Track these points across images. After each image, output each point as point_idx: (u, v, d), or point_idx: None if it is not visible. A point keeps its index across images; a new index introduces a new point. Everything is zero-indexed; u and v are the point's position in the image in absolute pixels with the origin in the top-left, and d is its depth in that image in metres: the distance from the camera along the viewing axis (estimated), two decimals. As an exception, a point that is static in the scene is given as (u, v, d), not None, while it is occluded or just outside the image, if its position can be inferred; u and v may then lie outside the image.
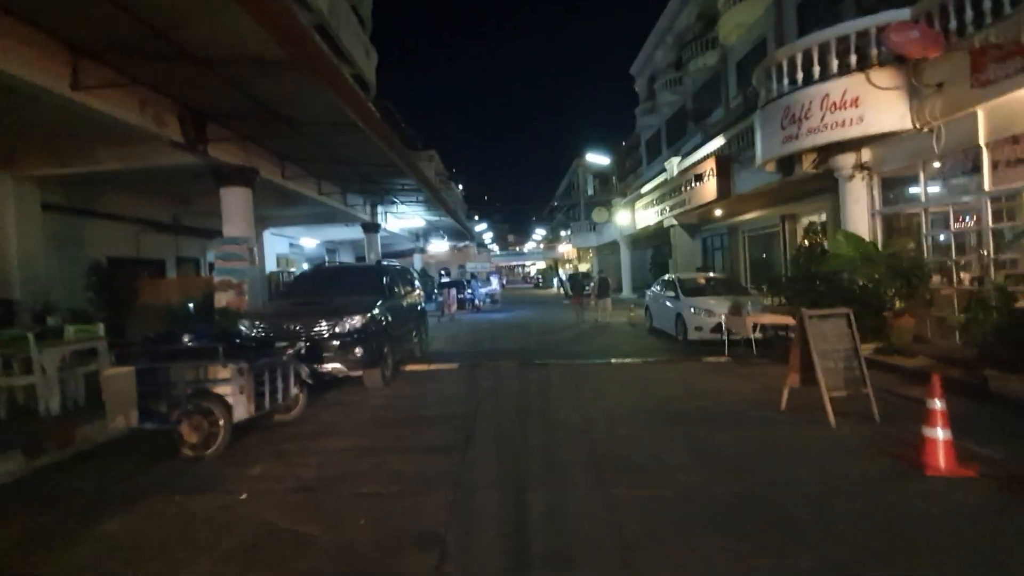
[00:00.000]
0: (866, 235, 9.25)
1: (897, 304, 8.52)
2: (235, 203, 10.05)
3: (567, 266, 51.48)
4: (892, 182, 9.48)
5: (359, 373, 7.13)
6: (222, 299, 9.70)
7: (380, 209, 18.87)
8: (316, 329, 6.97)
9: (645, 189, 22.82)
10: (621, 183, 36.30)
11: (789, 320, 8.57)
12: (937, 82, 7.62)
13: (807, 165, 10.12)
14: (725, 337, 9.53)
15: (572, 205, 45.55)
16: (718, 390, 6.93)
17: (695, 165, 15.91)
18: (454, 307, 21.67)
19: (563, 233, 52.10)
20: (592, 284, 22.58)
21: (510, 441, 5.15)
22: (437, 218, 21.61)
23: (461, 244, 37.68)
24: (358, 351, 6.90)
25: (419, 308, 10.36)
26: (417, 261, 28.67)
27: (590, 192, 38.96)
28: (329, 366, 6.83)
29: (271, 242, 20.67)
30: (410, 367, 9.17)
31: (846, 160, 9.42)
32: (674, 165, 18.63)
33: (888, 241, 9.20)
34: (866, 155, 9.28)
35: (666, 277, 13.46)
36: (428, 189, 16.07)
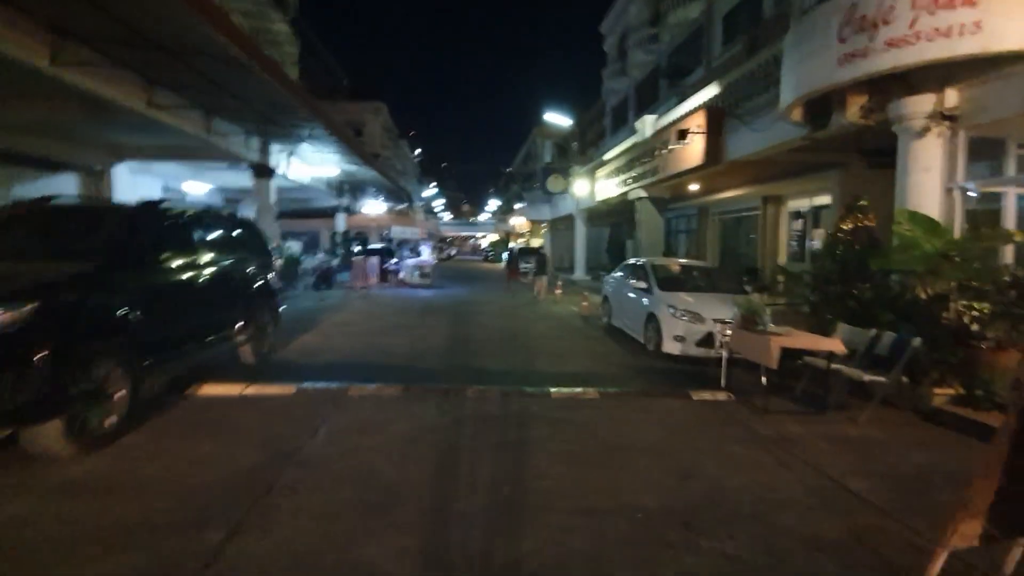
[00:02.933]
0: (937, 220, 6.18)
1: (988, 330, 5.51)
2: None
3: (520, 240, 48.02)
4: (981, 145, 6.41)
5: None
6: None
7: (276, 148, 14.60)
8: None
9: (609, 155, 19.48)
10: (582, 156, 32.91)
11: (837, 346, 5.40)
12: None
13: (853, 112, 6.90)
14: (722, 356, 6.33)
15: (528, 175, 41.87)
16: (746, 489, 3.63)
17: (677, 122, 12.58)
18: (372, 279, 17.80)
19: (517, 205, 48.48)
20: (532, 261, 19.41)
21: None
22: (356, 168, 17.47)
23: (399, 206, 33.34)
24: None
25: (252, 284, 6.54)
26: (340, 222, 24.37)
27: (547, 160, 35.33)
28: None
29: (132, 182, 15.96)
30: (210, 388, 5.44)
31: (918, 105, 6.23)
32: (647, 125, 15.31)
33: (974, 232, 6.15)
34: (953, 97, 6.13)
35: (635, 261, 10.18)
36: (331, 127, 12.06)
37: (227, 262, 5.88)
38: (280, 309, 7.64)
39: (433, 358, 7.42)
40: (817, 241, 15.02)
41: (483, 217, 78.29)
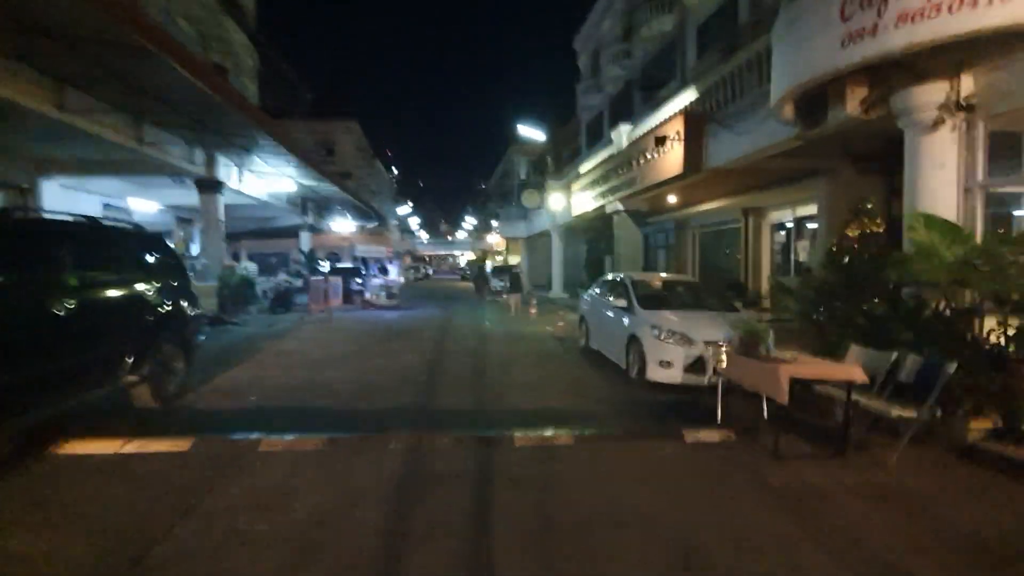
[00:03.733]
0: (956, 224, 5.39)
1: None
2: None
3: (498, 258, 47.13)
4: (994, 142, 5.68)
5: None
6: None
7: (223, 161, 13.46)
8: None
9: (585, 168, 18.78)
10: (557, 174, 32.34)
11: (857, 374, 4.49)
12: None
13: (853, 106, 6.14)
14: (716, 384, 5.39)
15: (505, 193, 41.19)
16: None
17: (654, 130, 11.85)
18: (335, 301, 16.57)
19: (494, 223, 47.76)
20: (505, 280, 18.53)
21: None
22: (314, 183, 16.38)
23: (370, 225, 32.20)
24: None
25: (152, 311, 5.36)
26: (304, 241, 23.11)
27: (522, 177, 34.70)
28: None
29: (65, 200, 14.61)
30: (80, 445, 4.26)
31: (929, 94, 5.49)
32: (623, 135, 14.63)
33: (1002, 237, 5.36)
34: (970, 84, 5.39)
35: (613, 277, 9.27)
36: (274, 134, 11.01)
37: (111, 284, 4.73)
38: (197, 340, 6.46)
39: (382, 395, 6.31)
40: (803, 253, 14.39)
41: (461, 235, 77.62)
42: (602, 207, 16.28)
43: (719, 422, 5.21)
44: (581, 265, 30.70)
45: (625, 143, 14.47)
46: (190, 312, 6.11)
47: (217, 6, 15.99)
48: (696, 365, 6.31)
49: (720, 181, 12.38)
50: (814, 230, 13.87)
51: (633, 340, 7.09)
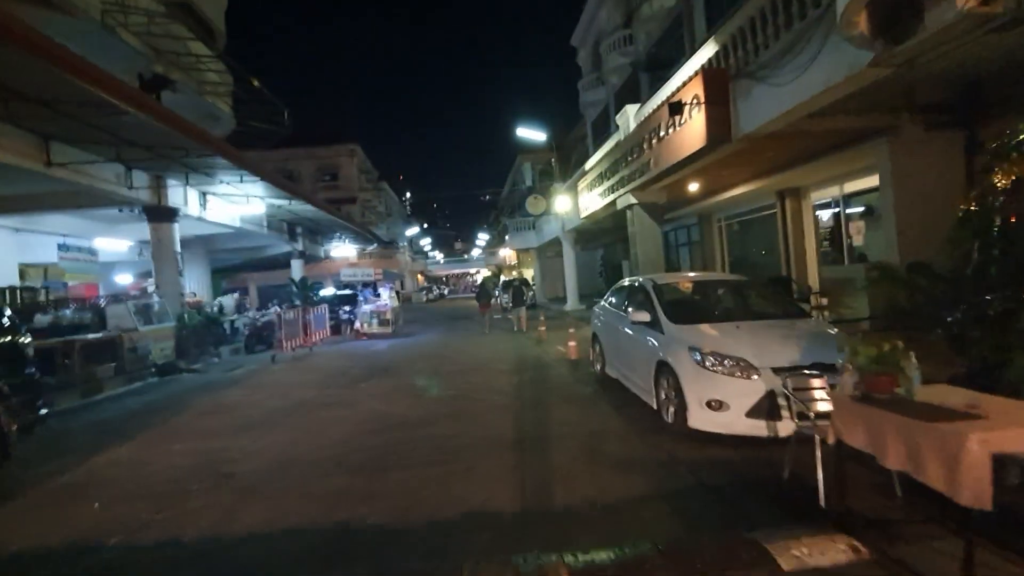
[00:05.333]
0: None
1: None
2: None
3: (513, 272, 45.15)
4: None
5: None
6: None
7: (174, 183, 11.78)
8: None
9: (591, 163, 16.74)
10: (563, 177, 30.39)
11: None
12: None
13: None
14: (804, 435, 3.25)
15: (517, 204, 39.30)
16: None
17: (666, 101, 9.76)
18: (319, 334, 14.73)
19: (507, 236, 45.96)
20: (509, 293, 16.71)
21: None
22: (287, 202, 14.65)
23: (370, 248, 30.58)
24: None
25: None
26: (296, 269, 21.47)
27: (528, 183, 32.78)
28: None
29: (14, 242, 13.16)
30: None
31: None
32: (630, 117, 12.59)
33: None
34: None
35: (630, 282, 7.16)
36: (216, 148, 9.27)
37: None
38: (38, 413, 4.54)
39: (296, 485, 4.27)
40: (859, 237, 12.05)
41: (476, 253, 76.35)
42: (613, 203, 14.18)
43: (824, 507, 3.06)
44: (597, 273, 28.55)
45: (633, 125, 12.41)
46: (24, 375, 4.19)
47: (173, 20, 14.59)
48: (764, 406, 4.15)
49: (749, 157, 10.24)
50: (869, 209, 11.56)
51: (664, 369, 4.96)
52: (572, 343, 9.76)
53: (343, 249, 27.73)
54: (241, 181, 11.55)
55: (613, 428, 5.21)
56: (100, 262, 16.17)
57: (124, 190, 10.51)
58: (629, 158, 12.35)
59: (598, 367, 7.61)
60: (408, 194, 76.81)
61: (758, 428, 4.16)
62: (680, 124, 9.32)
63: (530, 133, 22.70)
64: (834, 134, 9.05)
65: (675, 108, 8.77)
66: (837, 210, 12.66)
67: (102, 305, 10.86)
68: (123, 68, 13.56)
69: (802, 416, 3.56)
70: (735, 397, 4.25)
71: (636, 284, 6.65)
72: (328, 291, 21.31)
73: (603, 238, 24.48)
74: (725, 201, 15.02)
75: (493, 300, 20.15)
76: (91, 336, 9.29)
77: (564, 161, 27.89)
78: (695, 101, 8.66)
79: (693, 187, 13.24)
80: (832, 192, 12.50)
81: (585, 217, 17.28)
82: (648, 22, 21.85)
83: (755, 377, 4.23)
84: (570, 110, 30.95)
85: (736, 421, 4.24)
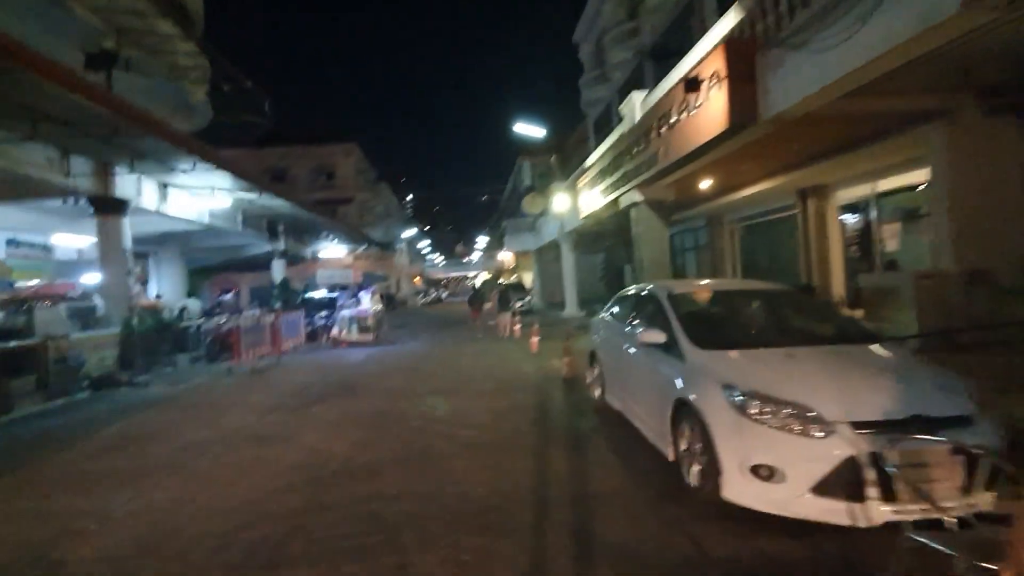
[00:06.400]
0: None
1: None
2: None
3: (512, 276, 43.77)
4: None
5: None
6: None
7: (125, 172, 10.46)
8: None
9: (592, 159, 15.43)
10: (563, 176, 29.08)
11: None
12: None
13: None
14: (897, 522, 1.91)
15: (514, 208, 37.97)
16: None
17: (682, 79, 8.42)
18: (292, 341, 13.41)
19: (504, 239, 44.61)
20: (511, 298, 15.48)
21: None
22: (256, 195, 13.32)
23: (361, 249, 29.27)
24: None
25: None
26: (277, 270, 20.13)
27: (528, 183, 31.44)
28: None
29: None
30: None
31: None
32: (636, 105, 11.28)
33: None
34: None
35: (637, 290, 5.80)
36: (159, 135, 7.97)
37: None
38: None
39: None
40: (893, 241, 10.72)
41: (475, 256, 75.21)
42: (615, 201, 12.86)
43: None
44: (597, 278, 27.18)
45: (640, 114, 11.10)
46: None
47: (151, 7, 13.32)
48: (842, 478, 2.80)
49: (772, 148, 8.96)
50: (907, 209, 10.23)
51: (685, 411, 3.62)
52: (567, 359, 8.43)
53: (332, 250, 26.39)
54: (194, 168, 10.23)
55: (615, 490, 3.86)
56: (56, 260, 14.85)
57: (59, 178, 9.20)
58: (634, 150, 11.03)
59: (597, 392, 6.27)
60: (410, 196, 75.50)
61: (832, 511, 2.82)
62: (695, 107, 8.01)
63: (529, 129, 21.40)
64: (877, 118, 7.75)
65: (692, 84, 7.45)
66: (865, 210, 11.35)
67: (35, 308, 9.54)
68: (79, 46, 12.30)
69: (899, 494, 2.23)
70: (795, 463, 2.91)
71: (645, 293, 5.30)
72: (319, 293, 19.99)
73: (604, 241, 23.15)
74: (739, 201, 13.69)
75: (487, 305, 18.85)
76: (4, 344, 7.96)
77: (564, 164, 26.60)
78: (715, 79, 7.34)
79: (704, 184, 11.93)
80: (861, 191, 11.19)
81: (585, 217, 15.96)
82: (654, 13, 20.60)
83: (826, 435, 2.89)
84: (571, 115, 29.64)
85: (796, 499, 2.90)
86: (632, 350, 4.91)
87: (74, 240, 15.36)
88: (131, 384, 9.43)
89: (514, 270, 44.99)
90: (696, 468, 3.46)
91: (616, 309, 6.27)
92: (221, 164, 10.20)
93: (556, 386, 7.78)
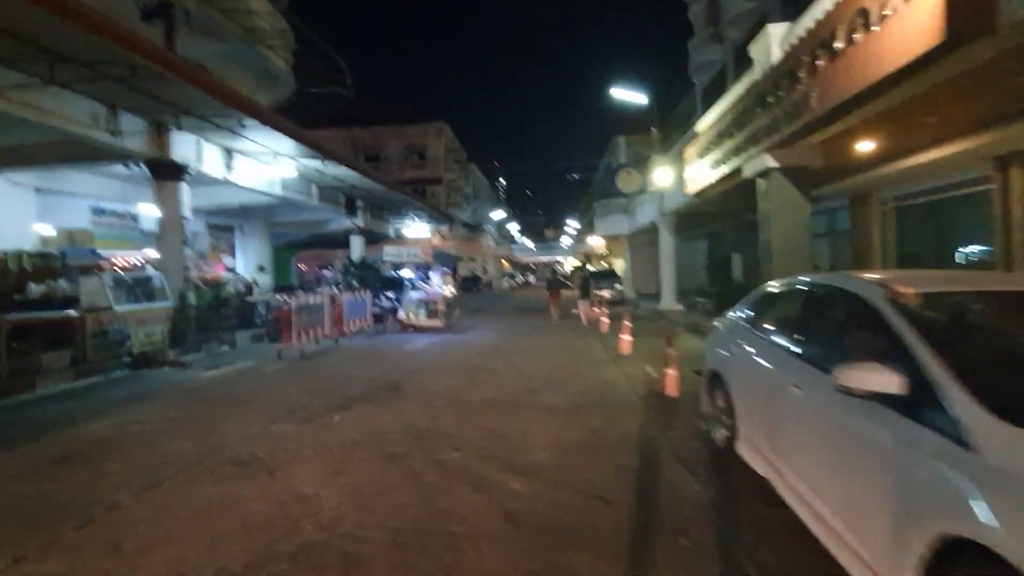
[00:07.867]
0: None
1: None
2: None
3: (602, 262, 41.27)
4: None
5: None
6: None
7: (194, 138, 9.71)
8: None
9: (704, 122, 12.80)
10: (664, 148, 25.96)
11: None
12: None
13: None
14: None
15: (606, 190, 35.29)
16: None
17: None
18: (355, 324, 12.36)
19: (594, 222, 42.03)
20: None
21: None
22: (319, 163, 12.26)
23: (441, 228, 28.31)
24: None
25: None
26: (356, 246, 19.44)
27: (622, 160, 28.70)
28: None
29: (30, 203, 11.98)
30: None
31: None
32: (773, 42, 8.68)
33: None
34: None
35: (809, 288, 3.53)
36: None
37: None
38: None
39: None
40: None
41: (567, 241, 73.26)
42: (736, 172, 10.29)
43: None
44: (701, 267, 24.08)
45: (779, 54, 8.50)
46: None
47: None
48: None
49: (982, 90, 6.15)
50: None
51: (969, 558, 1.50)
52: (671, 370, 6.26)
53: (416, 228, 25.62)
54: (243, 127, 9.19)
55: None
56: (141, 230, 14.94)
57: (105, 136, 8.50)
58: (770, 102, 8.46)
59: (720, 433, 4.18)
60: (502, 180, 74.61)
61: None
62: (880, 20, 5.45)
63: (628, 95, 18.91)
64: None
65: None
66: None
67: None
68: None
69: None
70: None
71: (830, 292, 3.13)
72: (406, 272, 19.12)
73: (711, 224, 20.17)
74: (905, 171, 10.45)
75: (566, 292, 16.99)
76: (30, 315, 7.33)
77: (666, 140, 23.68)
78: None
79: (864, 147, 9.03)
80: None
81: (695, 193, 13.37)
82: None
83: None
84: (674, 88, 26.34)
85: None
86: (806, 392, 2.79)
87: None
88: (173, 364, 8.66)
89: (604, 257, 42.37)
90: None
91: (755, 312, 4.10)
92: (268, 120, 9.08)
93: (653, 407, 5.73)
